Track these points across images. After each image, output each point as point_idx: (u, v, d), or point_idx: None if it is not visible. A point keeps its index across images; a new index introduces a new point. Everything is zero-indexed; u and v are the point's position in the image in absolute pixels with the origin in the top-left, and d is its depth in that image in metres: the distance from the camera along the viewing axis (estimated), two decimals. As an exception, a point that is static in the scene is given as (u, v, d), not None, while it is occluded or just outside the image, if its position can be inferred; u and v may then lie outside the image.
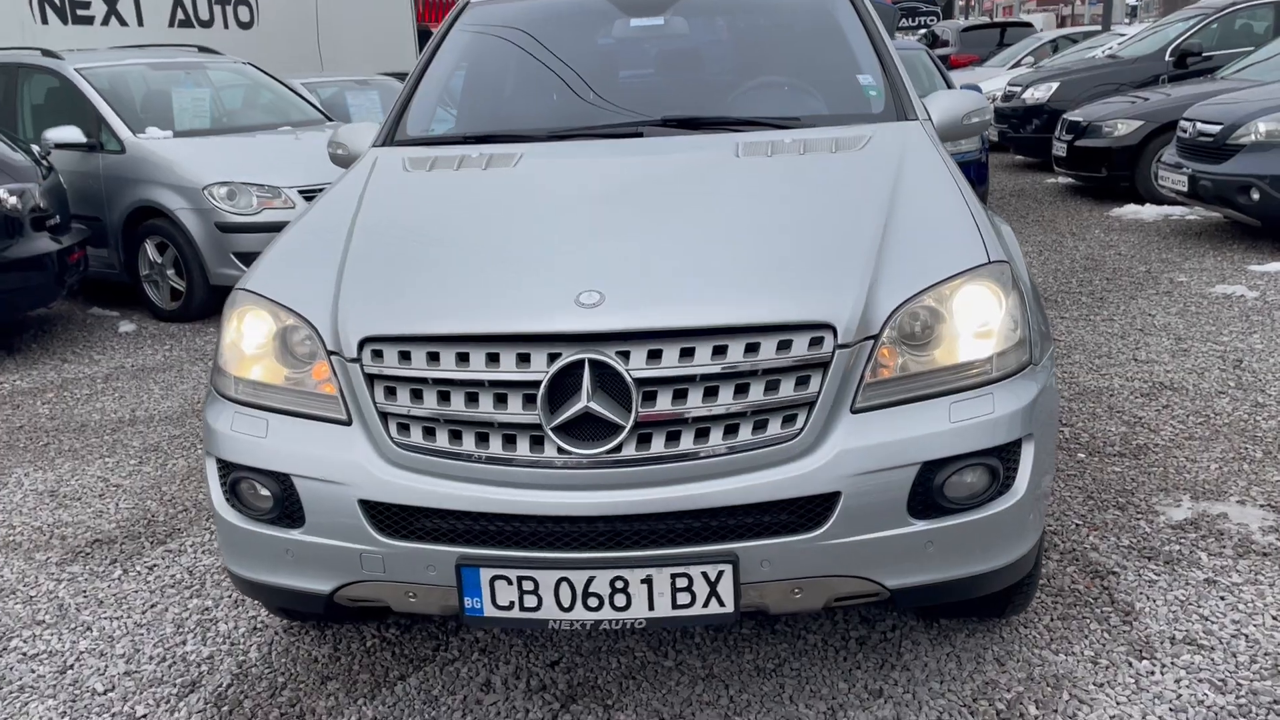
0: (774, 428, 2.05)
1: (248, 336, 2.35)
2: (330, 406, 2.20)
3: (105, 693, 2.67)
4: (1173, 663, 2.54)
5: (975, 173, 7.84)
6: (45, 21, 10.67)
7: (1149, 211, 8.81)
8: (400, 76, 10.09)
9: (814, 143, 2.88)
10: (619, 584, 2.03)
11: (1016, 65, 16.33)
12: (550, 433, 2.02)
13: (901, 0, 23.83)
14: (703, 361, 2.03)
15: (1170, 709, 2.38)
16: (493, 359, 2.07)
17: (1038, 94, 11.67)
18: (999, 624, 2.73)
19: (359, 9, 14.18)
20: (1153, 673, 2.51)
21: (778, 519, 2.06)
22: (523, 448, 2.06)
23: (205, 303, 6.67)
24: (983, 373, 2.16)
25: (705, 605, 2.05)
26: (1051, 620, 2.75)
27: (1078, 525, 3.28)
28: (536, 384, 2.03)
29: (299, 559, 2.21)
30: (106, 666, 2.79)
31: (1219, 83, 8.92)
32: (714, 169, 2.79)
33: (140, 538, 3.58)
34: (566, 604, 2.05)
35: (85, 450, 4.51)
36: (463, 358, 2.08)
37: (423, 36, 14.74)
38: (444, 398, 2.09)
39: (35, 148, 6.65)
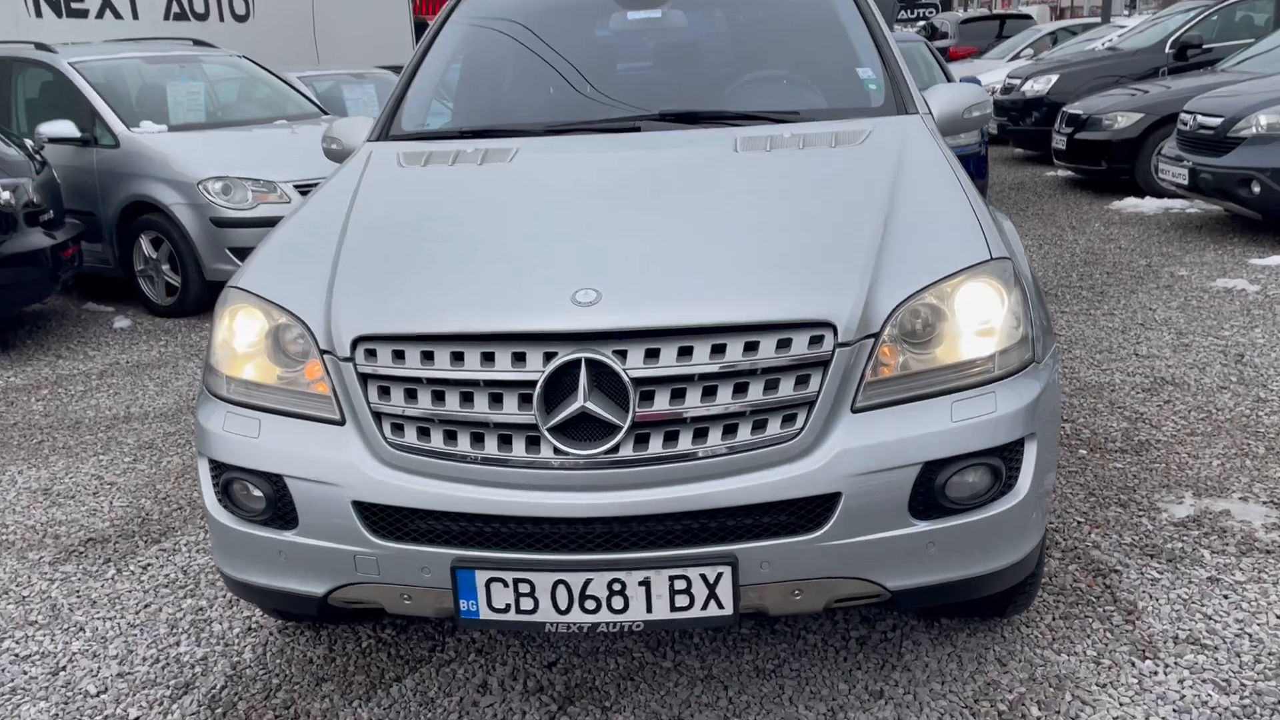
0: (773, 427, 2.02)
1: (240, 335, 2.32)
2: (323, 406, 2.17)
3: (98, 695, 2.64)
4: (1176, 663, 2.52)
5: (975, 166, 7.80)
6: (39, 15, 10.63)
7: (1149, 205, 8.78)
8: (397, 70, 10.04)
9: (813, 137, 2.85)
10: (616, 586, 2.00)
11: (1016, 58, 16.27)
12: (546, 433, 1.99)
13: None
14: (701, 360, 1.99)
15: (1174, 710, 2.35)
16: (488, 358, 2.04)
17: (1037, 86, 11.62)
18: (1000, 623, 2.71)
19: (355, 1, 14.12)
20: (1156, 673, 2.49)
21: (777, 520, 2.03)
22: (518, 448, 2.03)
23: (201, 298, 6.63)
24: (985, 371, 2.13)
25: (704, 607, 2.02)
26: (1053, 619, 2.72)
27: (1079, 523, 3.26)
28: (532, 384, 2.00)
29: (292, 561, 2.18)
30: (99, 668, 2.76)
31: (1219, 75, 8.89)
32: (712, 164, 2.75)
33: (134, 536, 3.55)
34: (563, 606, 2.02)
35: (79, 448, 4.48)
36: (457, 357, 2.05)
37: (419, 29, 14.68)
38: (438, 397, 2.06)
39: (29, 142, 6.61)
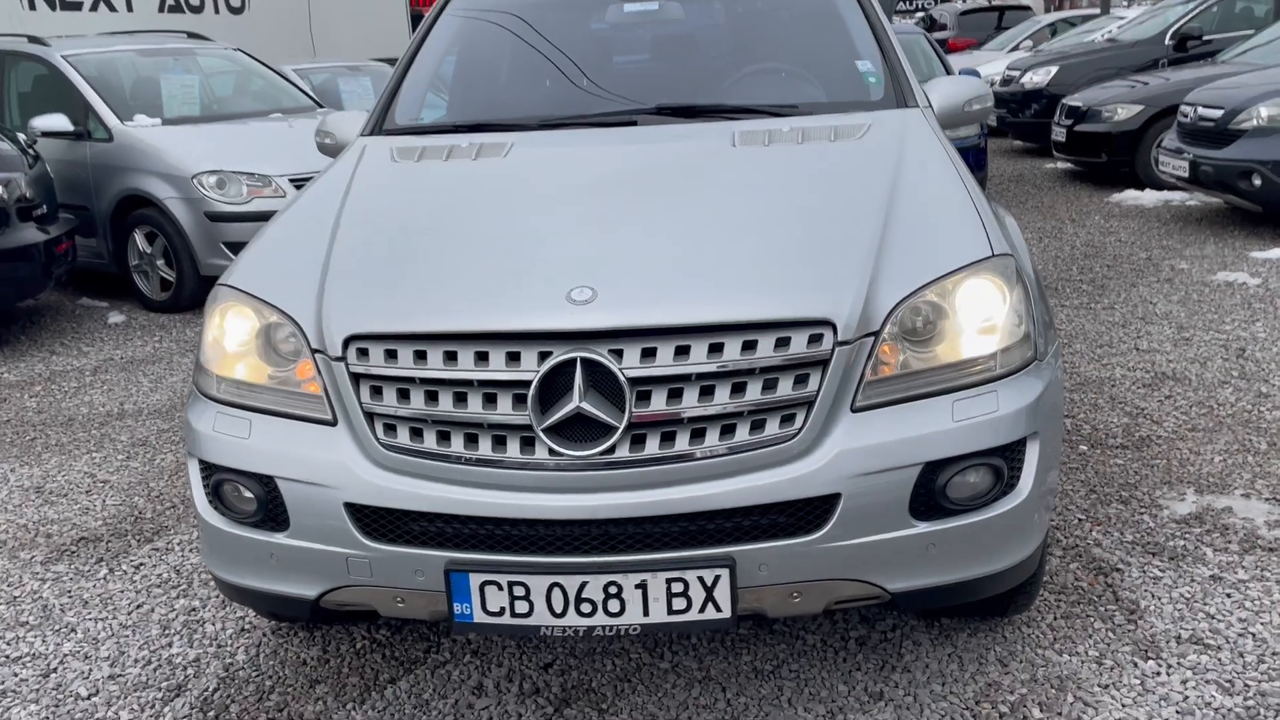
0: (772, 428, 1.98)
1: (230, 334, 2.28)
2: (315, 406, 2.13)
3: (89, 697, 2.61)
4: (1179, 663, 2.49)
5: (974, 159, 7.77)
6: (33, 8, 10.57)
7: (1149, 197, 8.74)
8: (393, 62, 10.00)
9: (812, 131, 2.81)
10: (612, 589, 1.97)
11: (1015, 49, 16.22)
12: (541, 434, 1.96)
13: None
14: (698, 360, 1.96)
15: (1177, 711, 2.32)
16: (481, 358, 2.00)
17: (1036, 78, 11.57)
18: (1001, 623, 2.68)
19: (351, -6, 14.06)
20: (1159, 673, 2.46)
21: (776, 521, 2.00)
22: (513, 449, 1.99)
23: (195, 293, 6.59)
24: (986, 370, 2.10)
25: (701, 610, 1.99)
26: (1055, 619, 2.69)
27: (1080, 520, 3.23)
28: (527, 383, 1.96)
29: (283, 563, 2.15)
30: (90, 670, 2.73)
31: (1219, 66, 8.84)
32: (710, 159, 2.72)
33: (127, 535, 3.52)
34: (559, 610, 1.99)
35: (72, 445, 4.44)
36: (451, 356, 2.02)
37: (416, 21, 14.61)
38: (431, 397, 2.02)
39: (21, 136, 6.56)
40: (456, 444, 2.02)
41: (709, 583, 1.97)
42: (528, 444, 1.99)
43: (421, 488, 2.02)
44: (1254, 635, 2.59)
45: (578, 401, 1.94)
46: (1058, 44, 14.52)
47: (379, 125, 3.29)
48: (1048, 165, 11.15)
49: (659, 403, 1.96)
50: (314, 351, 2.13)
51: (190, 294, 6.63)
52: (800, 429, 1.98)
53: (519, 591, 1.99)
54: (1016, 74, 12.03)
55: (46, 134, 6.78)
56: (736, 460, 1.97)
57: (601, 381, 1.96)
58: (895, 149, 2.64)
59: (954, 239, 2.23)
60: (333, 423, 2.11)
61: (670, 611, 1.99)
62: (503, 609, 2.01)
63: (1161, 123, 8.83)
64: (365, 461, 2.06)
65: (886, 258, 2.14)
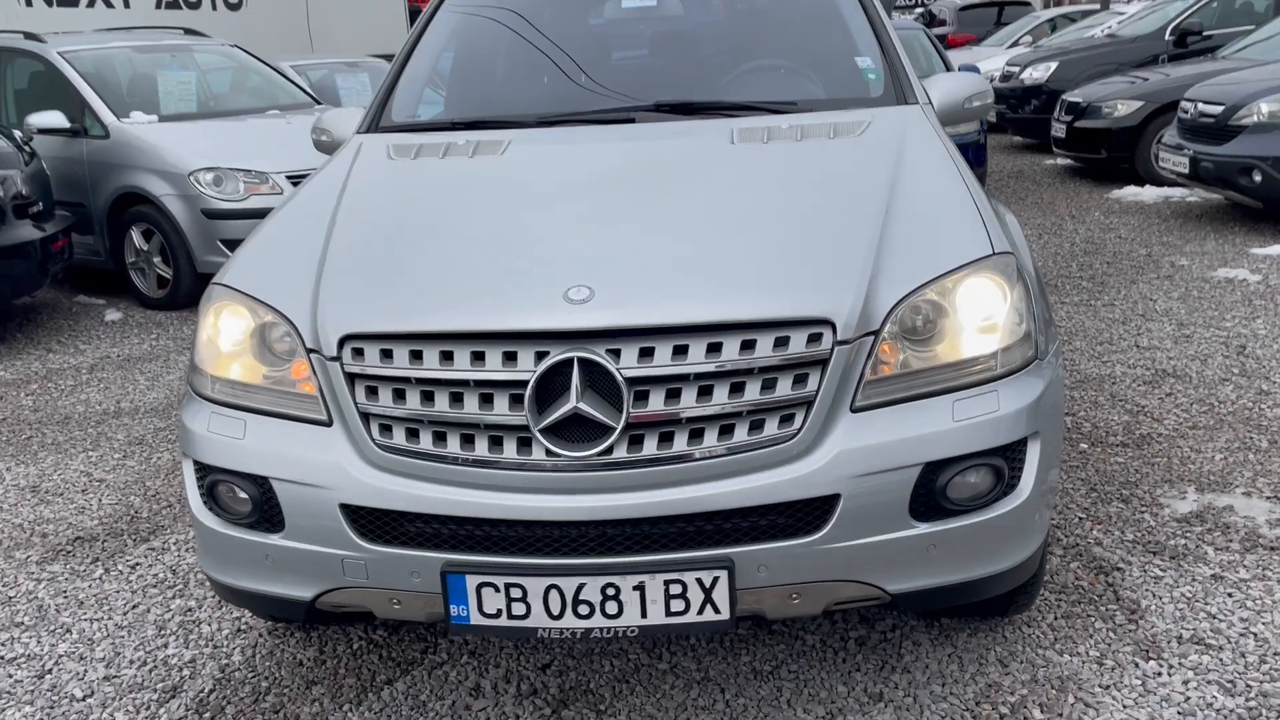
0: (771, 428, 1.97)
1: (225, 333, 2.26)
2: (310, 406, 2.12)
3: (84, 699, 2.60)
4: (1180, 663, 2.48)
5: (973, 155, 7.74)
6: (30, 4, 10.53)
7: (1149, 193, 8.72)
8: (391, 58, 9.97)
9: (811, 128, 2.79)
10: (610, 591, 1.96)
11: (1014, 45, 16.19)
12: (538, 434, 1.94)
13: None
14: (696, 360, 1.94)
15: (1178, 713, 2.31)
16: (478, 357, 1.99)
17: (1036, 74, 11.55)
18: (1002, 623, 2.66)
19: (349, -11, 14.02)
20: (1160, 674, 2.44)
21: (775, 522, 1.98)
22: (510, 450, 1.98)
23: (193, 290, 6.56)
24: (987, 369, 2.08)
25: (700, 612, 1.97)
26: (1055, 619, 2.68)
27: (1081, 519, 3.21)
28: (524, 383, 1.95)
29: (279, 565, 2.13)
30: (86, 671, 2.71)
31: (1220, 62, 8.82)
32: (708, 157, 2.70)
33: (123, 535, 3.50)
34: (556, 611, 1.98)
35: (69, 444, 4.43)
36: (447, 356, 2.00)
37: (414, 17, 14.57)
38: (427, 398, 2.01)
39: (17, 133, 6.54)
40: (453, 445, 2.00)
41: (707, 584, 1.95)
42: (524, 445, 1.97)
43: (417, 489, 2.01)
44: (1256, 635, 2.57)
45: (575, 402, 1.92)
46: (1057, 39, 14.49)
47: (375, 122, 3.27)
48: (1047, 161, 11.13)
49: (657, 403, 1.94)
50: (309, 351, 2.11)
51: (187, 291, 6.60)
52: (799, 429, 1.96)
53: (516, 593, 1.97)
54: (1016, 70, 12.01)
55: (42, 131, 6.75)
56: (735, 461, 1.95)
57: (599, 381, 1.94)
58: (895, 146, 2.62)
59: (954, 237, 2.21)
60: (328, 423, 2.09)
61: (668, 613, 1.97)
62: (499, 611, 1.99)
63: (1161, 119, 8.81)
64: (361, 462, 2.04)
65: (886, 256, 2.12)
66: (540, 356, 1.95)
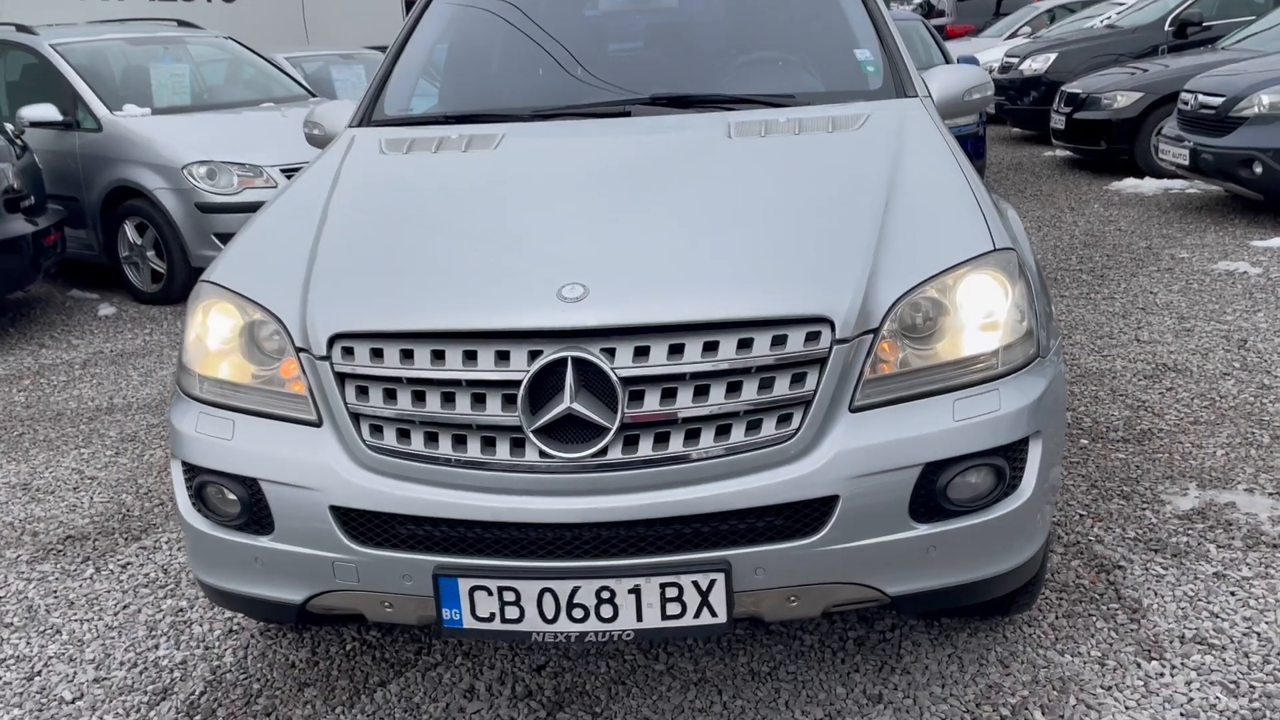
0: (768, 428, 1.93)
1: (213, 332, 2.23)
2: (299, 407, 2.08)
3: (73, 701, 2.57)
4: (1183, 664, 2.45)
5: (972, 147, 7.70)
6: (22, -5, 10.43)
7: (1149, 185, 8.68)
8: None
9: (809, 122, 2.75)
10: (605, 594, 1.92)
11: (1013, 35, 16.12)
12: (531, 435, 1.91)
13: (896, -30, 23.54)
14: (692, 359, 1.91)
15: (1181, 714, 2.28)
16: (470, 357, 1.95)
17: (1035, 65, 11.49)
18: (1002, 623, 2.64)
19: (345, -20, 13.93)
20: (1162, 674, 2.41)
21: (773, 524, 1.95)
22: (502, 451, 1.94)
23: (186, 285, 6.50)
24: (988, 367, 2.05)
25: (696, 615, 1.94)
26: (1056, 618, 2.65)
27: (1082, 516, 3.18)
28: (516, 383, 1.91)
29: (268, 567, 2.10)
30: (75, 673, 2.68)
31: (1220, 53, 8.77)
32: (704, 151, 2.66)
33: (114, 533, 3.46)
34: (550, 615, 1.94)
35: (61, 440, 4.39)
36: (438, 355, 1.96)
37: (410, 8, 14.49)
38: (419, 398, 1.97)
39: (9, 126, 6.49)
40: (444, 445, 1.97)
41: (704, 587, 1.92)
42: (517, 445, 1.94)
43: (408, 490, 1.97)
44: (1259, 635, 2.54)
45: (569, 402, 1.89)
46: (1056, 30, 14.42)
47: (368, 116, 3.23)
48: (1046, 153, 11.08)
49: (652, 403, 1.91)
50: (298, 350, 2.08)
51: (181, 285, 6.55)
52: (797, 429, 1.93)
53: (509, 597, 1.94)
54: (1015, 61, 11.95)
55: (35, 124, 6.70)
56: (732, 462, 1.92)
57: (593, 381, 1.91)
58: (894, 140, 2.58)
59: (955, 233, 2.17)
60: (318, 423, 2.05)
61: (664, 617, 1.94)
62: (493, 615, 1.96)
63: (1161, 110, 8.76)
64: (351, 463, 2.01)
65: (885, 253, 2.08)
66: (533, 356, 1.92)
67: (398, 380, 1.98)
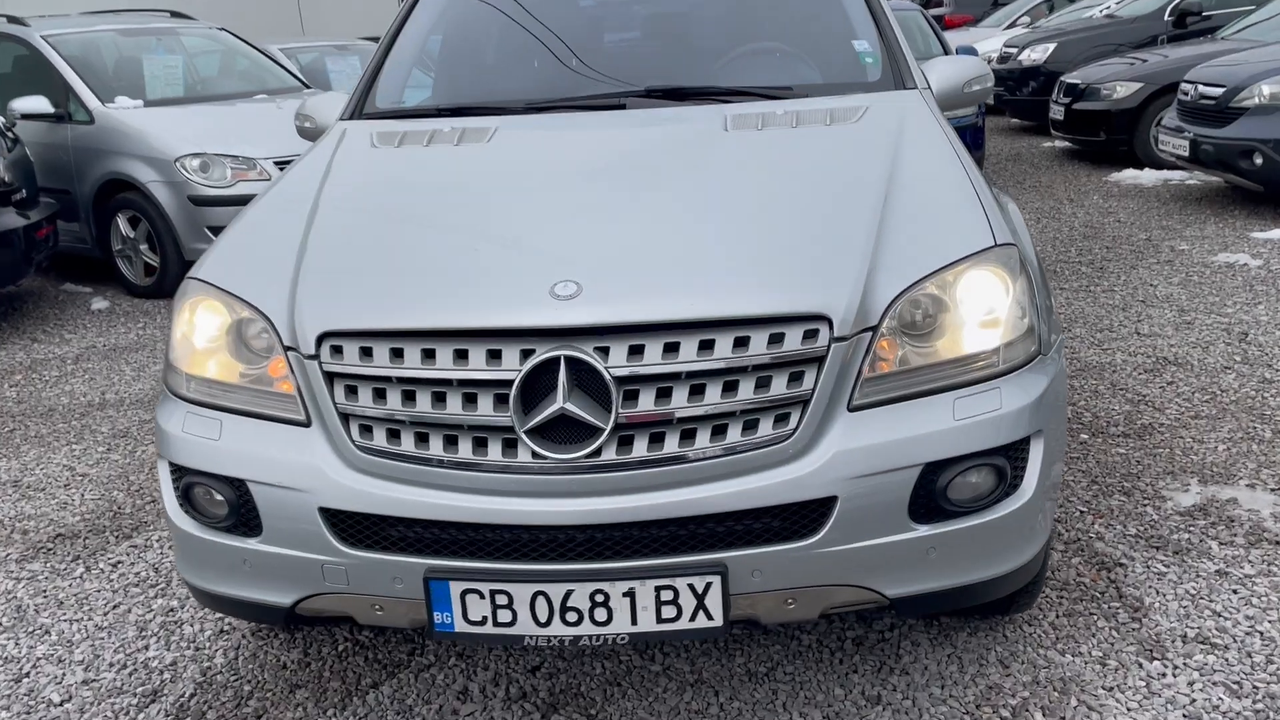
0: (765, 428, 1.89)
1: (200, 330, 2.19)
2: (287, 406, 2.04)
3: (61, 704, 2.53)
4: (1185, 664, 2.42)
5: (971, 138, 7.66)
6: (13, -15, 10.36)
7: (1148, 176, 8.64)
8: (381, 41, 9.80)
9: (807, 114, 2.71)
10: (599, 597, 1.89)
11: (1012, 25, 16.04)
12: (524, 435, 1.87)
13: (894, -41, 23.41)
14: (688, 357, 1.87)
15: (1184, 715, 2.25)
16: (461, 356, 1.91)
17: (1034, 55, 11.43)
18: (1002, 622, 2.60)
19: (340, -29, 13.85)
20: (1164, 675, 2.38)
21: (770, 525, 1.92)
22: (494, 451, 1.90)
23: (180, 278, 6.35)
24: (989, 365, 2.01)
25: (692, 619, 1.91)
26: (1057, 617, 2.62)
27: (1082, 512, 3.15)
28: (508, 383, 1.87)
29: (257, 570, 2.06)
30: (64, 675, 2.65)
31: (1220, 43, 8.72)
32: (700, 145, 2.61)
33: (105, 532, 3.43)
34: (543, 619, 1.91)
35: (52, 437, 4.35)
36: (429, 354, 1.92)
37: (406, -1, 14.41)
38: (409, 398, 1.93)
39: (0, 119, 6.42)
40: (435, 446, 1.93)
41: (700, 590, 1.89)
42: (510, 446, 1.90)
43: (399, 492, 1.93)
44: (1262, 634, 2.51)
45: (562, 402, 1.85)
46: (1056, 20, 14.35)
47: (359, 109, 3.18)
48: (1045, 144, 11.03)
49: (647, 402, 1.87)
50: (286, 349, 2.04)
51: (174, 279, 6.50)
52: (795, 429, 1.89)
53: (502, 600, 1.90)
54: (1014, 51, 11.89)
55: (26, 116, 6.64)
56: (728, 463, 1.88)
57: (587, 380, 1.87)
58: (893, 133, 2.54)
59: (955, 228, 2.13)
60: (306, 423, 2.02)
61: (660, 620, 1.91)
62: (485, 618, 1.92)
63: (1161, 101, 8.72)
64: (340, 464, 1.97)
65: (885, 249, 2.04)
66: (526, 355, 1.88)
67: (387, 379, 1.94)
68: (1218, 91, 7.14)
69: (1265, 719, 2.23)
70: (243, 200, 6.05)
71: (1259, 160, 6.76)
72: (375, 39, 10.85)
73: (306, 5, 13.41)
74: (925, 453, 1.92)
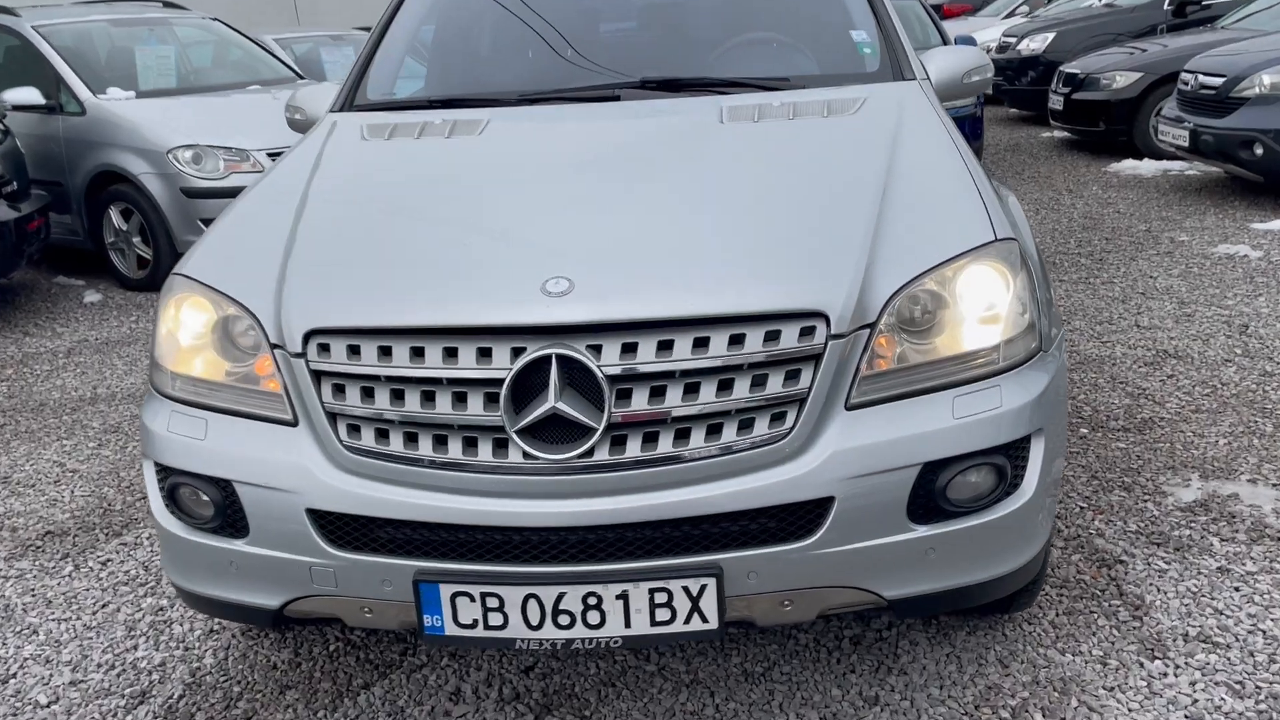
0: (761, 427, 1.86)
1: (185, 327, 2.15)
2: (274, 405, 2.00)
3: (49, 705, 2.50)
4: (1187, 663, 2.39)
5: (970, 128, 7.60)
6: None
7: (1148, 167, 8.59)
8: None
9: (804, 106, 2.66)
10: (592, 600, 1.85)
11: (1011, 15, 15.97)
12: (514, 435, 1.83)
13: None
14: (682, 355, 1.83)
15: (1185, 716, 2.22)
16: (450, 354, 1.87)
17: (1033, 45, 11.37)
18: (1002, 621, 2.57)
19: (334, -40, 13.75)
20: (1165, 674, 2.35)
21: (765, 526, 1.88)
22: (485, 452, 1.86)
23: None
24: (989, 362, 1.97)
25: (687, 621, 1.87)
26: (1057, 615, 2.59)
27: (1082, 508, 3.12)
28: (499, 382, 1.83)
29: (244, 572, 2.03)
30: (51, 675, 2.61)
31: (1219, 33, 8.67)
32: (696, 137, 2.57)
33: (94, 529, 3.39)
34: (535, 622, 1.88)
35: (42, 432, 4.31)
36: (418, 353, 1.88)
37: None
38: (398, 397, 1.89)
39: (-10, 110, 6.37)
40: (424, 446, 1.89)
41: (694, 592, 1.85)
42: (500, 446, 1.86)
43: (387, 492, 1.90)
44: (1264, 633, 2.48)
45: (553, 401, 1.81)
46: (1055, 9, 14.27)
47: (350, 100, 3.14)
48: (1044, 134, 10.98)
49: (640, 401, 1.83)
50: (273, 347, 2.00)
51: (167, 272, 6.40)
52: (791, 428, 1.85)
53: (492, 603, 1.87)
54: (1013, 40, 11.83)
55: (17, 108, 6.58)
56: (723, 463, 1.85)
57: (579, 379, 1.83)
58: (892, 125, 2.50)
59: (954, 222, 2.09)
60: (293, 423, 1.98)
61: (653, 623, 1.87)
62: (475, 621, 1.89)
63: (1160, 90, 8.67)
64: (328, 465, 1.93)
65: (883, 244, 2.00)
66: (516, 353, 1.84)
67: (375, 378, 1.90)
68: (1218, 81, 7.09)
69: (1268, 719, 2.20)
70: (236, 192, 6.01)
71: (1259, 151, 6.72)
72: (368, 29, 10.79)
73: (301, -5, 13.34)
74: (924, 452, 1.89)
